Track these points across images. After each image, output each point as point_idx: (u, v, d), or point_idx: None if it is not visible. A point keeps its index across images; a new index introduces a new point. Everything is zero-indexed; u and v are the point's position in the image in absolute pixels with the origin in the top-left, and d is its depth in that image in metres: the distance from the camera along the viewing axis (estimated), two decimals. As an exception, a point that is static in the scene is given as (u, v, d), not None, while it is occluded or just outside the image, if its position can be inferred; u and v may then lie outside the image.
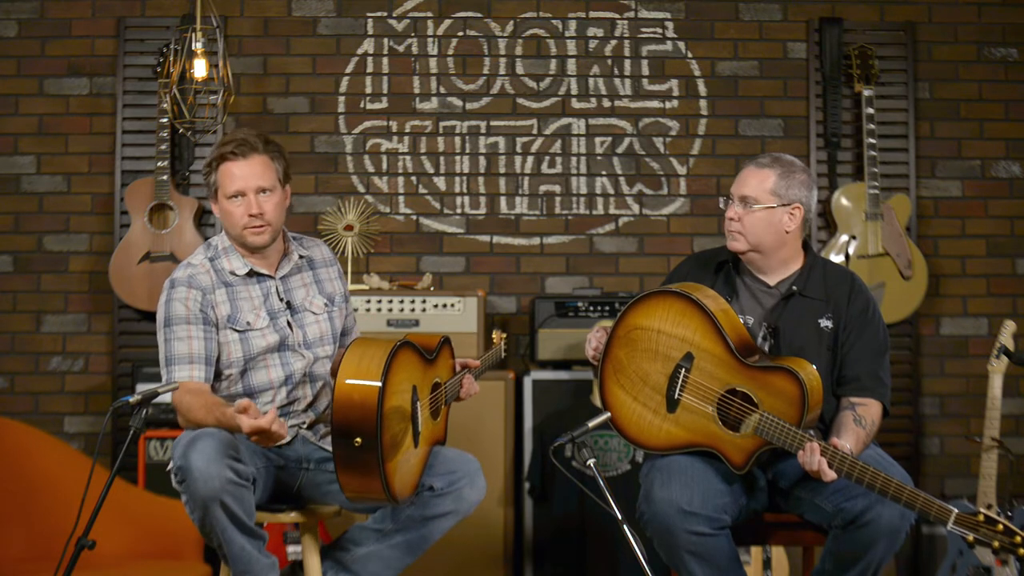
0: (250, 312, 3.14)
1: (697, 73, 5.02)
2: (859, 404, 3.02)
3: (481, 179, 4.98)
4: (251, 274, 3.18)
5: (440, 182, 4.98)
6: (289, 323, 3.18)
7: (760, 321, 3.12)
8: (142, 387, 4.07)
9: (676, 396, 2.99)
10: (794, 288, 3.12)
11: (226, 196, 3.10)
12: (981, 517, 2.63)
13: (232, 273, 3.16)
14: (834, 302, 3.11)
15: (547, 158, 4.99)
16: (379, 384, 2.85)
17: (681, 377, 2.98)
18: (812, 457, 2.79)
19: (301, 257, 3.27)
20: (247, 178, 3.09)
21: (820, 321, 3.10)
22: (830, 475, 2.79)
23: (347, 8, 4.99)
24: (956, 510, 2.67)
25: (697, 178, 4.99)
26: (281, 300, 3.20)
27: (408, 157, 4.98)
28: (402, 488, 2.97)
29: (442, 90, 5.00)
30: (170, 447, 4.25)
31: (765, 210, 3.09)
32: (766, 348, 3.09)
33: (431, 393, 3.15)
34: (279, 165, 3.16)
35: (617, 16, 5.03)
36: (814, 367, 2.96)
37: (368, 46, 4.99)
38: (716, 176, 4.99)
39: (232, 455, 2.83)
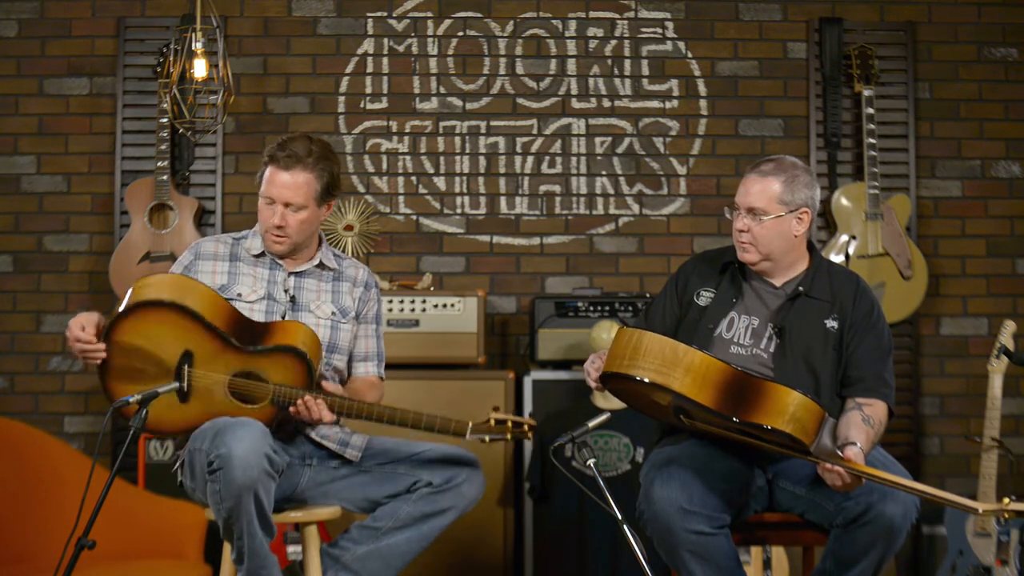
0: (247, 287, 3.21)
1: (697, 73, 5.02)
2: (865, 404, 3.00)
3: (481, 179, 4.98)
4: (263, 255, 3.25)
5: (440, 182, 4.98)
6: (285, 315, 3.21)
7: (766, 322, 3.11)
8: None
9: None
10: (800, 289, 3.12)
11: (262, 195, 3.20)
12: (1007, 501, 2.64)
13: (247, 251, 3.25)
14: (839, 303, 3.11)
15: (547, 158, 4.99)
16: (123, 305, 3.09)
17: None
18: (829, 475, 2.79)
19: (325, 267, 3.30)
20: (281, 189, 3.16)
21: (826, 322, 3.09)
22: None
23: (347, 8, 4.99)
24: (981, 507, 2.67)
25: (697, 178, 4.99)
26: (286, 292, 3.23)
27: (408, 157, 4.98)
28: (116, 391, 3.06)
29: (442, 90, 5.00)
30: (170, 447, 4.26)
31: (775, 220, 3.07)
32: (772, 349, 3.09)
33: (236, 375, 3.08)
34: (321, 184, 3.19)
35: (617, 16, 5.03)
36: (800, 399, 2.80)
37: (368, 46, 4.99)
38: (716, 176, 4.99)
39: (270, 444, 2.88)
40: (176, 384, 2.99)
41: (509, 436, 3.14)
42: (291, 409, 3.06)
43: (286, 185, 3.15)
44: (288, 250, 3.23)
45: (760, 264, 3.13)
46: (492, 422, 3.14)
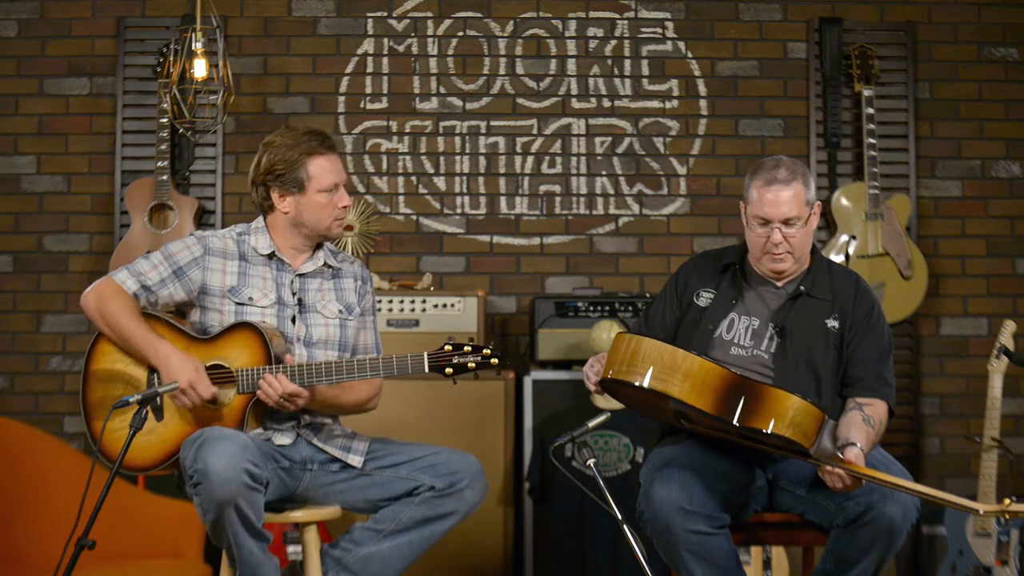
0: (258, 290, 3.17)
1: (697, 73, 5.02)
2: (865, 404, 3.00)
3: (481, 179, 4.98)
4: (272, 256, 3.21)
5: (440, 182, 4.98)
6: (295, 318, 3.20)
7: (766, 322, 3.11)
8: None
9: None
10: (801, 288, 3.12)
11: (321, 189, 3.17)
12: (1008, 502, 2.63)
13: (254, 250, 3.20)
14: (840, 302, 3.11)
15: (547, 158, 4.99)
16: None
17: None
18: (829, 477, 2.79)
19: (328, 266, 3.28)
20: (340, 171, 3.22)
21: (827, 321, 3.09)
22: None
23: (347, 8, 4.99)
24: (982, 508, 2.66)
25: (697, 178, 4.99)
26: (293, 295, 3.21)
27: (408, 157, 4.98)
28: (113, 446, 3.08)
29: (442, 90, 5.00)
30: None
31: (807, 221, 3.08)
32: (772, 349, 3.08)
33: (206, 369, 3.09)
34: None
35: (617, 16, 5.03)
36: (801, 402, 2.82)
37: (368, 46, 4.99)
38: (716, 176, 4.99)
39: (250, 459, 2.85)
40: (175, 384, 2.98)
41: (472, 363, 3.05)
42: (259, 394, 3.03)
43: (341, 167, 3.24)
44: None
45: (790, 267, 3.12)
46: (448, 347, 3.05)
